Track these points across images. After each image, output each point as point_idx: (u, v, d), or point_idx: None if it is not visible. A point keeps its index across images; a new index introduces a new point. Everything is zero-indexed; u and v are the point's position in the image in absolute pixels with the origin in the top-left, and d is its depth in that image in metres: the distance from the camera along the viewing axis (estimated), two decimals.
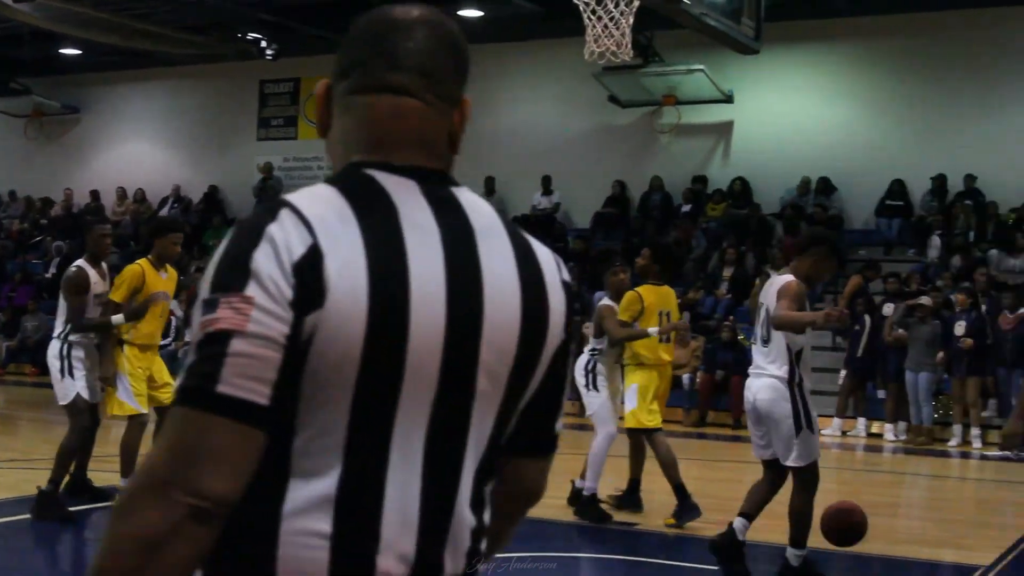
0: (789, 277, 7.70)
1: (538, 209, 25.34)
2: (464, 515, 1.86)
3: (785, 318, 7.41)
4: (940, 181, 22.43)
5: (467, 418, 1.85)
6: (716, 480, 13.88)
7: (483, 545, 1.93)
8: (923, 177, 22.55)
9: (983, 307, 17.61)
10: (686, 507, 9.80)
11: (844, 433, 17.82)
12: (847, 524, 7.25)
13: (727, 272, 22.03)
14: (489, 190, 26.03)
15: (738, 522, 7.98)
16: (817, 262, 7.72)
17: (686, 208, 24.32)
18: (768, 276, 20.85)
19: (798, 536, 7.71)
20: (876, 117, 23.56)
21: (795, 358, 7.66)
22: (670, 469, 9.84)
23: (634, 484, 10.38)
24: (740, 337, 19.73)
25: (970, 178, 22.19)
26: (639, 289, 10.02)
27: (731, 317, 20.48)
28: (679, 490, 9.84)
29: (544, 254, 1.97)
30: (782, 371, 7.64)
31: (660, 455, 9.94)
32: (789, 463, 7.66)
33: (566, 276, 1.99)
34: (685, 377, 19.26)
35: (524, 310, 1.87)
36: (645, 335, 9.80)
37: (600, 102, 24.84)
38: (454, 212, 1.91)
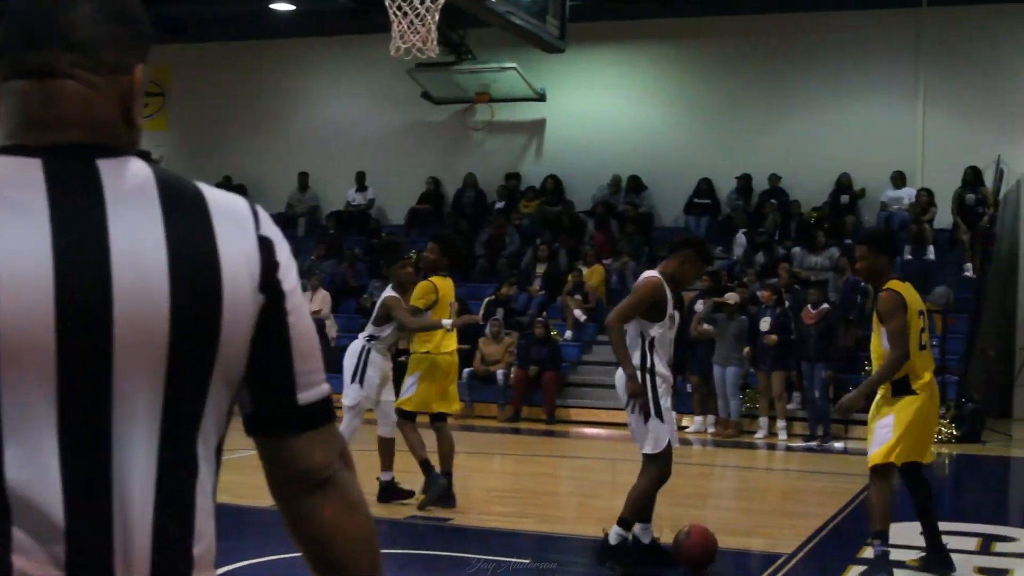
0: (653, 274, 8.00)
1: (352, 205, 25.22)
2: (135, 515, 1.68)
3: (612, 333, 7.88)
4: (745, 180, 23.04)
5: (108, 406, 1.67)
6: (531, 475, 14.02)
7: (197, 550, 1.74)
8: (729, 176, 23.11)
9: (787, 303, 18.09)
10: (434, 481, 10.19)
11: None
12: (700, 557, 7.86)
13: (540, 269, 22.22)
14: (302, 186, 25.84)
15: (639, 529, 8.20)
16: (683, 264, 8.04)
17: (499, 205, 24.46)
18: (581, 273, 21.22)
19: (628, 517, 7.93)
20: (684, 117, 24.06)
21: (648, 346, 7.88)
22: (417, 449, 10.18)
23: (446, 478, 10.41)
24: (553, 333, 19.92)
25: (774, 177, 22.83)
26: (433, 280, 10.32)
27: (544, 313, 20.67)
28: (425, 464, 10.19)
29: (227, 212, 1.80)
30: (635, 358, 7.86)
31: (410, 439, 10.23)
32: (643, 450, 7.92)
33: (265, 231, 1.82)
34: (499, 373, 19.37)
35: (175, 278, 1.70)
36: (439, 326, 10.05)
37: (414, 98, 24.82)
38: (83, 186, 1.72)
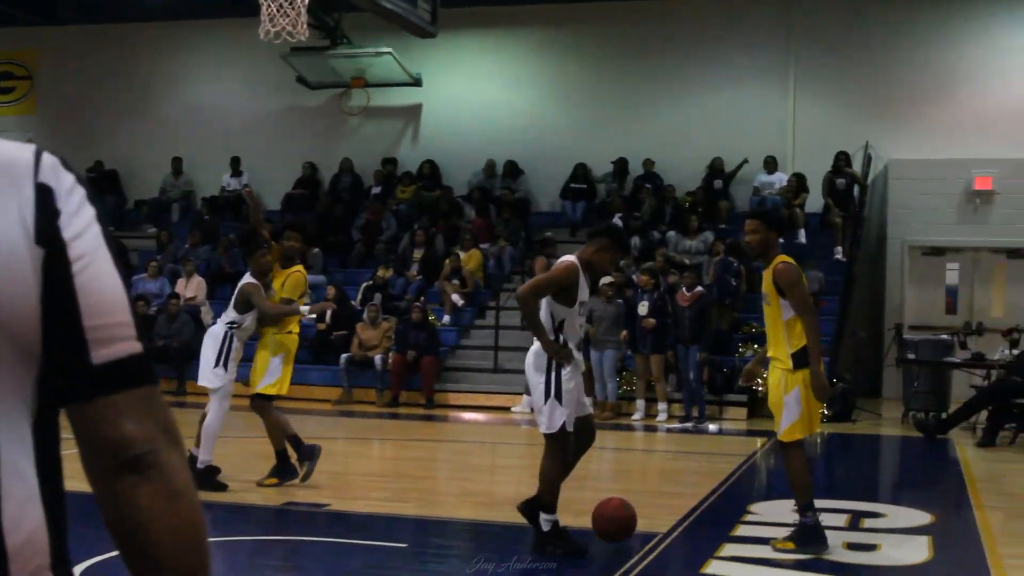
0: (570, 258, 8.13)
1: (227, 190, 24.91)
2: None
3: (524, 304, 7.99)
4: (621, 165, 23.24)
5: None
6: (409, 459, 14.00)
7: (12, 541, 1.57)
8: (605, 161, 23.28)
9: (662, 287, 18.28)
10: (287, 468, 10.45)
11: (532, 410, 18.20)
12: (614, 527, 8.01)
13: (417, 254, 22.19)
14: (176, 171, 25.50)
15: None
16: (598, 251, 8.16)
17: (376, 190, 24.38)
18: (458, 258, 21.20)
19: (548, 501, 8.03)
20: (560, 102, 24.19)
21: (558, 326, 8.02)
22: (282, 432, 10.39)
23: (283, 455, 10.48)
24: (431, 318, 19.92)
25: (648, 162, 23.05)
26: (300, 268, 10.55)
27: (422, 298, 20.65)
28: (295, 439, 10.39)
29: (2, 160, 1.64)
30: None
31: (279, 422, 10.48)
32: (540, 429, 8.08)
33: (44, 178, 1.64)
34: (377, 358, 19.31)
35: None
36: (298, 312, 10.24)
37: (289, 83, 24.63)
38: None
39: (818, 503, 8.34)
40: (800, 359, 7.98)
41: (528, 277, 19.83)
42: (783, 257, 8.09)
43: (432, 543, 8.77)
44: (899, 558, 8.15)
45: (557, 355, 7.93)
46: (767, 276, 8.08)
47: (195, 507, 1.67)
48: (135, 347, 1.66)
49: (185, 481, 1.66)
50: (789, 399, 8.02)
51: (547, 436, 8.04)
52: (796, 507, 8.22)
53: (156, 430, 1.64)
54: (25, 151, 1.65)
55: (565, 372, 7.96)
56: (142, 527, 1.62)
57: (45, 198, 1.62)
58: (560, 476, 8.10)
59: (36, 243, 1.59)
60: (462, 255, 21.48)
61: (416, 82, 24.35)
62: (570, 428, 8.04)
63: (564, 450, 8.08)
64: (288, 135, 25.24)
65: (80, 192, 1.66)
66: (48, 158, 1.66)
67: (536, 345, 8.08)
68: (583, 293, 8.07)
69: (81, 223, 1.64)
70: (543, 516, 8.04)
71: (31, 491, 1.60)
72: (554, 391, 7.94)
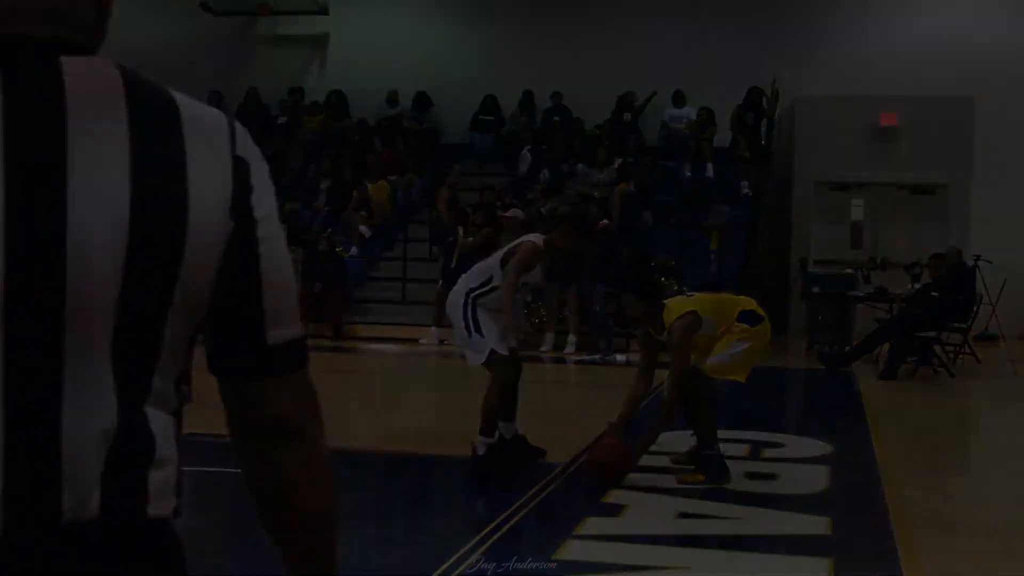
0: (535, 241, 8.57)
1: None
2: (86, 444, 1.53)
3: (507, 291, 8.35)
4: (529, 97, 23.16)
5: (60, 337, 1.51)
6: (318, 391, 13.95)
7: (154, 479, 1.63)
8: (514, 93, 23.20)
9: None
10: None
11: (442, 342, 18.22)
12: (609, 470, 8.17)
13: (324, 184, 22.02)
14: None
15: (502, 426, 8.68)
16: (566, 237, 8.73)
17: (282, 120, 24.11)
18: (366, 189, 20.94)
19: (485, 425, 8.44)
20: (469, 33, 24.02)
21: (488, 286, 8.52)
22: None
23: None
24: (338, 249, 19.79)
25: (558, 95, 23.00)
26: None
27: (329, 229, 20.52)
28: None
29: (201, 127, 1.63)
30: (477, 281, 8.53)
31: None
32: (471, 363, 8.63)
33: (241, 151, 1.66)
34: None
35: (136, 201, 1.52)
36: None
37: (193, 9, 24.21)
38: (40, 91, 1.53)
39: (720, 433, 8.45)
40: (754, 317, 8.36)
41: (435, 210, 19.80)
42: (677, 311, 8.14)
43: (339, 474, 8.75)
44: (797, 487, 8.28)
45: (516, 329, 8.55)
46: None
47: (330, 475, 1.83)
48: (301, 329, 1.75)
49: (324, 451, 1.81)
50: (737, 344, 8.25)
51: (486, 365, 8.47)
52: (700, 440, 8.36)
53: (307, 405, 1.77)
54: (220, 118, 1.68)
55: (483, 315, 8.40)
56: (283, 493, 1.77)
57: (242, 171, 1.65)
58: (498, 402, 8.48)
59: (229, 216, 1.62)
60: (370, 186, 21.33)
61: (323, 10, 24.06)
62: (503, 352, 8.43)
63: (503, 372, 8.48)
64: (192, 63, 24.79)
65: (266, 169, 1.70)
66: (240, 128, 1.69)
67: (458, 286, 8.61)
68: (533, 276, 8.62)
69: (269, 203, 1.69)
70: (481, 439, 8.42)
71: (171, 432, 1.69)
72: (473, 326, 8.39)
